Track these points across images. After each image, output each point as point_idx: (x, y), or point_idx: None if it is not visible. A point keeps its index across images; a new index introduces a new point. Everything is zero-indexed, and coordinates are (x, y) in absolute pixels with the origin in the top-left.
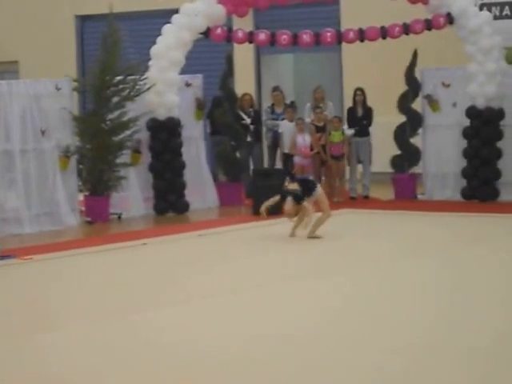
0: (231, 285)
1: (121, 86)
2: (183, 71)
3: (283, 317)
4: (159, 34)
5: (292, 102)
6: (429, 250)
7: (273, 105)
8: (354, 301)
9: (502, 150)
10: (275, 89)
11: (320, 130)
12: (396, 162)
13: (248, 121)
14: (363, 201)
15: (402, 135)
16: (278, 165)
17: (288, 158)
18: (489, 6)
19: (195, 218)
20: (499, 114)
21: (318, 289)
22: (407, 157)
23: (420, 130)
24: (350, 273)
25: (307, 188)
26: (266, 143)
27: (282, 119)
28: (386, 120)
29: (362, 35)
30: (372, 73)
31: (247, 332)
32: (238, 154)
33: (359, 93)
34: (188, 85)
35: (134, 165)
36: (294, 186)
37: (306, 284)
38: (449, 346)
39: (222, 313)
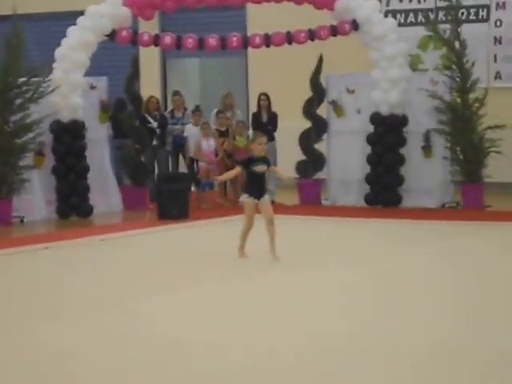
0: (123, 293)
1: (24, 88)
2: (88, 73)
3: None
4: (64, 36)
5: (197, 106)
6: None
7: (173, 110)
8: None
9: (405, 157)
10: (175, 93)
11: (223, 134)
12: (301, 167)
13: (154, 124)
14: None
15: (307, 141)
16: (184, 169)
17: (193, 162)
18: (394, 13)
19: (99, 221)
20: (403, 120)
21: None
22: (312, 162)
23: (325, 136)
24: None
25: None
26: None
27: (182, 123)
28: (290, 125)
29: (267, 40)
30: (277, 78)
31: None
32: (142, 158)
33: (264, 98)
34: (93, 87)
35: (37, 167)
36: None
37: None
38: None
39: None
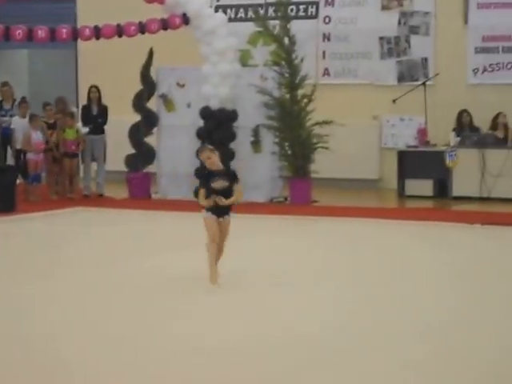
0: None
1: None
2: None
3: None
4: None
5: (23, 98)
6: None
7: (1, 101)
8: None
9: (235, 152)
10: (4, 84)
11: (51, 127)
12: (130, 160)
13: None
14: (97, 199)
15: (137, 134)
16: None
17: (20, 155)
18: (224, 8)
19: None
20: (232, 115)
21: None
22: (142, 156)
23: (155, 130)
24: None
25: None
26: None
27: (11, 115)
28: (121, 118)
29: (97, 33)
30: (108, 71)
31: None
32: None
33: (94, 90)
34: None
35: None
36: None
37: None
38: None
39: None
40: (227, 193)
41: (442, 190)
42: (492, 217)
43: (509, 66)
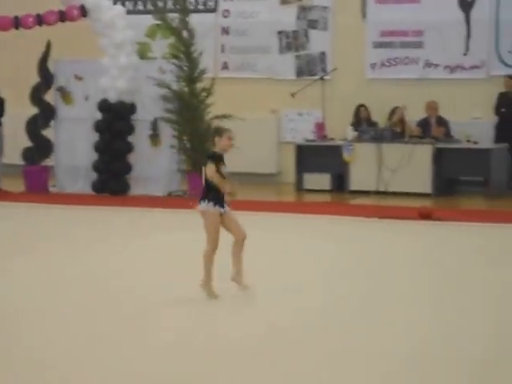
0: None
1: None
2: None
3: None
4: None
5: None
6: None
7: None
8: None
9: (133, 145)
10: None
11: None
12: (27, 154)
13: None
14: None
15: (34, 127)
16: None
17: None
18: (122, 1)
19: None
20: (131, 108)
21: None
22: (39, 149)
23: (52, 123)
24: None
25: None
26: None
27: None
28: (18, 111)
29: None
30: (4, 63)
31: None
32: None
33: None
34: None
35: None
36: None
37: None
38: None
39: None
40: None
41: (340, 183)
42: (389, 211)
43: (406, 61)
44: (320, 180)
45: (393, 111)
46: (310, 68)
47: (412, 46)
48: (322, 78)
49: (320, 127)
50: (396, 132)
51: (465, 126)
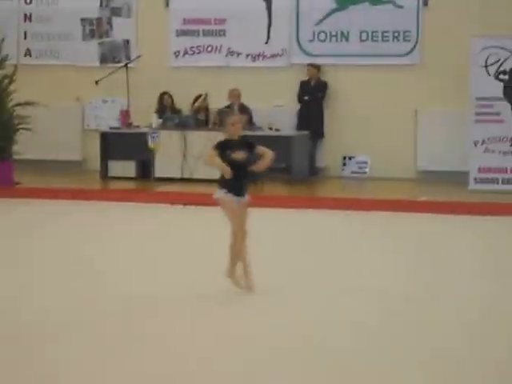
0: None
1: None
2: None
3: None
4: None
5: None
6: None
7: None
8: None
9: None
10: None
11: None
12: None
13: None
14: None
15: None
16: None
17: None
18: None
19: None
20: None
21: None
22: None
23: None
24: None
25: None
26: None
27: None
28: None
29: None
30: None
31: None
32: None
33: None
34: None
35: None
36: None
37: None
38: None
39: None
40: (245, 167)
41: (145, 171)
42: (193, 197)
43: (209, 49)
44: (125, 167)
45: (196, 99)
46: (114, 55)
47: (215, 34)
48: (126, 66)
49: (125, 115)
50: (200, 119)
51: (268, 113)
